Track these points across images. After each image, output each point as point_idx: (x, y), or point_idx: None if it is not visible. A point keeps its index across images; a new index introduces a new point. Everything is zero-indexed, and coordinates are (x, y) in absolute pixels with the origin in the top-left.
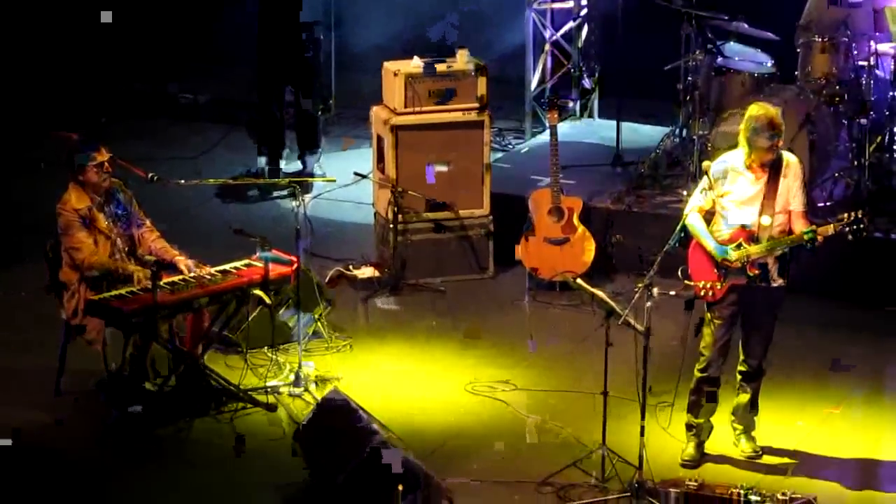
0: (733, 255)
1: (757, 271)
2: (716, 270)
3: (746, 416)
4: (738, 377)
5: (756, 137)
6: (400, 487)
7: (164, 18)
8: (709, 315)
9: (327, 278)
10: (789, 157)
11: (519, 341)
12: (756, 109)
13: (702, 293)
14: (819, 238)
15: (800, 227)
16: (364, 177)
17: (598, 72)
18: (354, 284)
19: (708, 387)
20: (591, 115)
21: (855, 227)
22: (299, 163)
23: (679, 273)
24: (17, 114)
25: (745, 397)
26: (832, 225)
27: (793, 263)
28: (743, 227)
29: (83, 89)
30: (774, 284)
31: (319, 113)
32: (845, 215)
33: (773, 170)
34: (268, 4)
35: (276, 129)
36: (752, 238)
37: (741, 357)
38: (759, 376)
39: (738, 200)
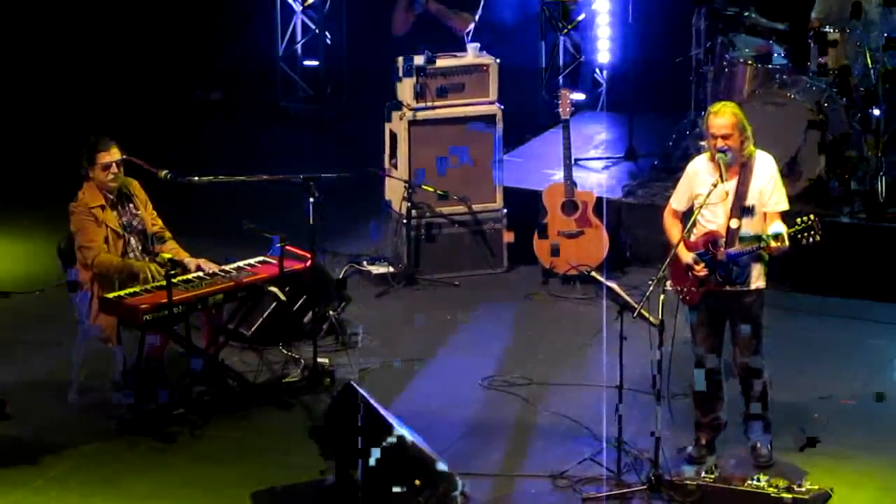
0: (697, 267)
1: (723, 276)
2: (690, 276)
3: (753, 417)
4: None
5: (708, 136)
6: (417, 483)
7: None
8: (692, 316)
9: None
10: (762, 157)
11: (534, 335)
12: (713, 107)
13: (679, 297)
14: (772, 246)
15: (775, 228)
16: (377, 172)
17: (609, 64)
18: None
19: (706, 383)
20: (602, 108)
21: (806, 233)
22: None
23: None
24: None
25: (747, 401)
26: (785, 231)
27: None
28: (710, 231)
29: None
30: (752, 286)
31: None
32: (798, 220)
33: (744, 170)
34: None
35: None
36: (720, 242)
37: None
38: (753, 376)
39: (707, 202)
